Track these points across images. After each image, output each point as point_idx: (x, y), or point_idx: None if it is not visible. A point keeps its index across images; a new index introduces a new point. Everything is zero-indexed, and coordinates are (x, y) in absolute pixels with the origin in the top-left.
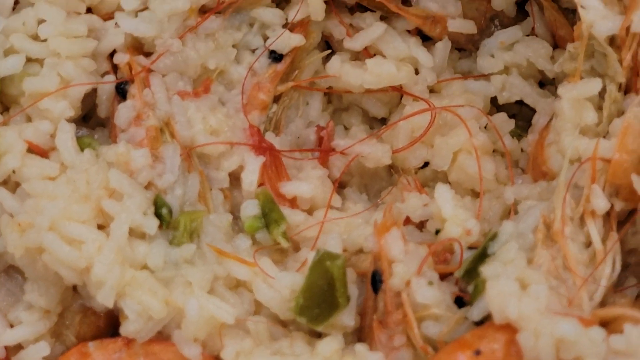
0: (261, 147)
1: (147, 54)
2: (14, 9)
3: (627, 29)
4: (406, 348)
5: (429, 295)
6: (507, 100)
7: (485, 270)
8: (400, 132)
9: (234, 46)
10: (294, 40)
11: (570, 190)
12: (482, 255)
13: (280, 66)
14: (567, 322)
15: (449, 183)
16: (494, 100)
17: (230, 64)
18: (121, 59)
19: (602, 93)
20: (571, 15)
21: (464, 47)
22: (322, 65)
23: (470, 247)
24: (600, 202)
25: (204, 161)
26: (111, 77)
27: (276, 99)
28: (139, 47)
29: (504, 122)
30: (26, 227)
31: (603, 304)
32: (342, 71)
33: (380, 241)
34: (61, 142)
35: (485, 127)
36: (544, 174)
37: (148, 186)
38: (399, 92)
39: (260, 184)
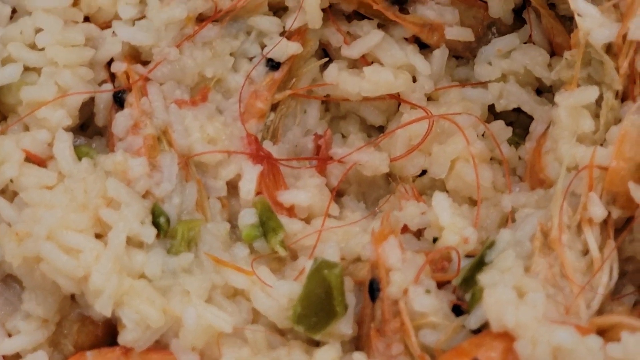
0: (259, 155)
1: (145, 63)
2: (11, 17)
3: (624, 36)
4: (404, 356)
5: (427, 303)
6: (504, 108)
7: (483, 278)
8: (398, 140)
9: (231, 54)
10: (292, 48)
11: (568, 198)
12: (479, 264)
13: (278, 74)
14: (565, 330)
15: (447, 191)
16: (491, 107)
17: (228, 72)
18: (118, 67)
19: (599, 101)
20: (568, 22)
21: (462, 55)
22: (319, 73)
23: (468, 255)
24: (598, 210)
25: (201, 170)
26: (109, 86)
27: (274, 107)
28: (136, 55)
29: (501, 130)
30: (24, 237)
31: (600, 311)
32: (339, 79)
33: (377, 249)
34: (59, 151)
35: (482, 135)
36: (541, 182)
37: (146, 195)
38: (396, 100)
39: (258, 193)
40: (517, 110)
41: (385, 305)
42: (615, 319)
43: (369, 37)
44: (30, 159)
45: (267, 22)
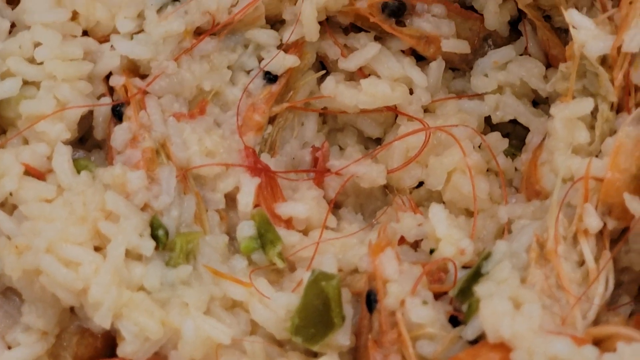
0: (257, 168)
1: (143, 76)
2: (10, 32)
3: (619, 48)
4: None
5: (424, 314)
6: (500, 120)
7: (479, 289)
8: (395, 152)
9: (229, 67)
10: (289, 61)
11: (563, 210)
12: (475, 275)
13: (275, 87)
14: (561, 341)
15: (444, 203)
16: (487, 119)
17: (226, 85)
18: (117, 81)
19: (594, 112)
20: (564, 34)
21: (458, 67)
22: (316, 86)
23: (465, 267)
24: (593, 221)
25: (199, 182)
26: (107, 100)
27: (271, 120)
28: (134, 69)
29: (497, 142)
30: (23, 249)
31: (596, 322)
32: (336, 91)
33: (374, 261)
34: (58, 165)
35: (479, 147)
36: (537, 193)
37: (144, 208)
38: (393, 112)
39: (256, 205)
40: (514, 121)
41: (383, 317)
42: (611, 330)
43: (366, 50)
44: (29, 172)
45: (265, 35)
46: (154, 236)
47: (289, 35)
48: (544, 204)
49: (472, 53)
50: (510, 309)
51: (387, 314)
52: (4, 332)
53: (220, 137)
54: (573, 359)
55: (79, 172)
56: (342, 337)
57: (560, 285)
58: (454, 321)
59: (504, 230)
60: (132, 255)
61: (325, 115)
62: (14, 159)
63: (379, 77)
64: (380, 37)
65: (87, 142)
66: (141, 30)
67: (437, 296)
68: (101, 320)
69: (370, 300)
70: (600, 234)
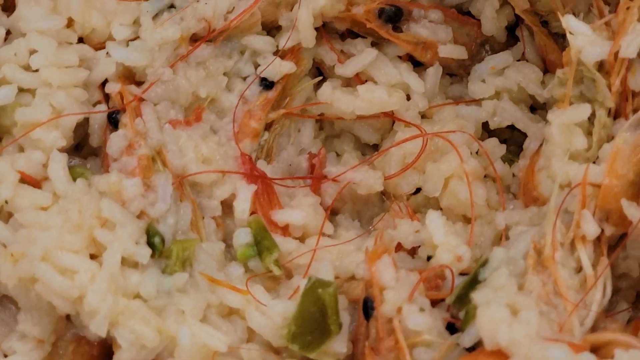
0: (253, 175)
1: (139, 83)
2: (5, 39)
3: (616, 54)
4: None
5: (421, 321)
6: (498, 125)
7: (476, 296)
8: (392, 159)
9: (225, 74)
10: (285, 67)
11: (561, 216)
12: (473, 282)
13: (272, 93)
14: (558, 347)
15: (441, 209)
16: (485, 125)
17: (222, 92)
18: (113, 88)
19: (591, 118)
20: (561, 40)
21: (455, 73)
22: (313, 92)
23: (462, 273)
24: (591, 228)
25: (196, 190)
26: (103, 107)
27: (267, 126)
28: (130, 76)
29: (495, 148)
30: (19, 257)
31: (594, 329)
32: (333, 98)
33: (371, 268)
34: (53, 172)
35: (477, 153)
36: (535, 200)
37: (140, 215)
38: (390, 118)
39: (253, 212)
40: (511, 127)
41: (380, 324)
42: (609, 336)
43: (363, 56)
44: (25, 180)
45: (261, 42)
46: (150, 244)
47: (285, 41)
48: (542, 210)
49: (469, 59)
50: (507, 315)
51: (384, 321)
52: (0, 341)
53: (217, 144)
54: None
55: (74, 179)
56: (339, 345)
57: (558, 291)
58: (451, 328)
59: (502, 237)
60: (128, 262)
61: (322, 122)
62: (9, 167)
63: (376, 83)
64: (377, 43)
65: (82, 149)
66: (137, 37)
67: (434, 303)
68: (97, 328)
69: (367, 308)
70: (598, 240)
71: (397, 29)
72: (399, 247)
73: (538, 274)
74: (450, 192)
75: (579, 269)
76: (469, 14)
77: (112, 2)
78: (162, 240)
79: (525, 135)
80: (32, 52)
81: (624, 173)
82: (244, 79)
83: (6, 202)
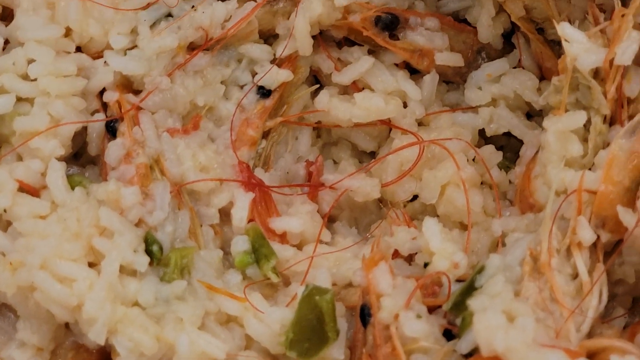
0: (251, 183)
1: (137, 92)
2: (3, 49)
3: (611, 61)
4: None
5: (418, 328)
6: (494, 132)
7: (473, 303)
8: (389, 166)
9: (222, 82)
10: (282, 75)
11: (557, 222)
12: (469, 288)
13: (269, 102)
14: (554, 354)
15: (438, 216)
16: (481, 132)
17: (219, 100)
18: (111, 97)
19: (587, 125)
20: (557, 47)
21: (452, 80)
22: (310, 100)
23: (459, 280)
24: (587, 234)
25: (194, 198)
26: (101, 116)
27: (265, 134)
28: (128, 85)
29: (492, 154)
30: (18, 266)
31: (590, 335)
32: (330, 105)
33: (368, 275)
34: (52, 181)
35: (473, 160)
36: (531, 206)
37: (138, 223)
38: (387, 126)
39: (250, 220)
40: (508, 134)
41: (377, 331)
42: (605, 342)
43: (360, 64)
44: (23, 188)
45: (258, 50)
46: (148, 252)
47: (282, 49)
48: (538, 217)
49: (465, 66)
50: (503, 322)
51: (381, 328)
52: None
53: (214, 152)
54: None
55: (73, 188)
56: (337, 351)
57: (554, 298)
58: (448, 335)
59: (498, 244)
60: (126, 271)
61: (319, 130)
62: (8, 176)
63: (373, 91)
64: (374, 51)
65: (81, 158)
66: (134, 46)
67: (431, 310)
68: (96, 336)
69: (364, 314)
70: (594, 246)
71: (393, 36)
72: (396, 254)
73: (534, 281)
74: (446, 199)
75: (575, 276)
76: (465, 21)
77: (109, 11)
78: (161, 248)
79: (521, 142)
80: (30, 61)
81: (620, 179)
82: (242, 87)
83: (5, 210)
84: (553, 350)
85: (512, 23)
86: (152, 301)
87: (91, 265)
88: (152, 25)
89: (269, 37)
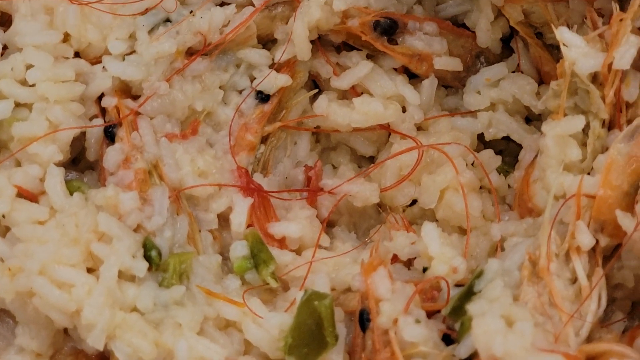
0: (249, 188)
1: (135, 97)
2: (2, 54)
3: (609, 66)
4: None
5: (417, 333)
6: (493, 137)
7: (472, 307)
8: (388, 171)
9: (221, 87)
10: (281, 80)
11: (556, 227)
12: (468, 293)
13: (268, 106)
14: (553, 358)
15: (437, 221)
16: (480, 136)
17: (218, 105)
18: (109, 102)
19: (585, 129)
20: (556, 51)
21: (451, 85)
22: (309, 105)
23: (457, 285)
24: (586, 238)
25: (192, 203)
26: (99, 121)
27: (264, 139)
28: (126, 90)
29: (491, 159)
30: (16, 272)
31: (589, 339)
32: (329, 110)
33: (367, 280)
34: (50, 186)
35: (472, 164)
36: (530, 211)
37: (137, 229)
38: (386, 131)
39: (249, 225)
40: (507, 138)
41: (376, 335)
42: (604, 347)
43: (358, 68)
44: (22, 194)
45: (257, 55)
46: (147, 257)
47: (280, 54)
48: (537, 221)
49: (464, 70)
50: (502, 327)
51: (380, 333)
52: None
53: (213, 157)
54: None
55: (71, 193)
56: (336, 356)
57: (553, 302)
58: (447, 339)
59: (497, 248)
60: (125, 276)
61: (318, 134)
62: (6, 181)
63: (372, 96)
64: (373, 56)
65: (79, 163)
66: (133, 51)
67: (430, 315)
68: (95, 342)
69: (363, 319)
70: (593, 251)
71: (392, 41)
72: (395, 258)
73: (533, 285)
74: (445, 203)
75: (574, 280)
76: (464, 26)
77: (108, 16)
78: (159, 254)
79: (520, 147)
80: (29, 66)
81: (619, 184)
82: (240, 92)
83: (3, 216)
84: (552, 354)
85: (511, 27)
86: (151, 306)
87: (90, 270)
88: (151, 31)
89: (267, 42)
